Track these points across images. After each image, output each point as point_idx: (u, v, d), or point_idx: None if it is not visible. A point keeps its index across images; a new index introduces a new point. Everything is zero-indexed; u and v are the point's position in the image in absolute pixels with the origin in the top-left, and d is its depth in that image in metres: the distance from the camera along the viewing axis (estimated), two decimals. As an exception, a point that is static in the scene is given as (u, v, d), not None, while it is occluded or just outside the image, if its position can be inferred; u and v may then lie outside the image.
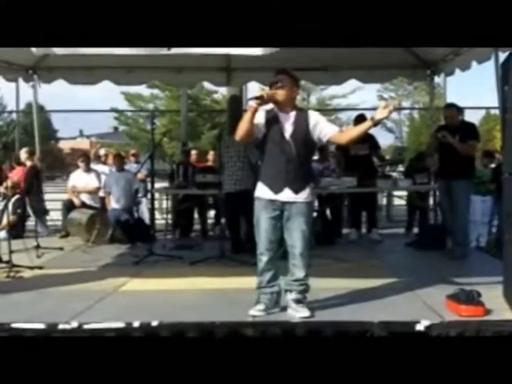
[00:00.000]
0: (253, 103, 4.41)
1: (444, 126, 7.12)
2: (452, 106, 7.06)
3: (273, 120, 4.47)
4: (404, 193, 10.00)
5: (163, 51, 4.50)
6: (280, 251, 4.59)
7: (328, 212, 8.93)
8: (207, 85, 16.11)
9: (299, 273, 4.48)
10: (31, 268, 6.27)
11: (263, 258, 4.50)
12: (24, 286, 5.51)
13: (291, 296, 4.55)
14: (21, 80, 9.11)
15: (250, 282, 4.79)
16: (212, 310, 4.66)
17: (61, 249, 7.71)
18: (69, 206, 8.88)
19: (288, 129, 4.44)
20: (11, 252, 6.26)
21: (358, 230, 8.61)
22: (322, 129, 4.48)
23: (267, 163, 4.54)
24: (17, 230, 8.37)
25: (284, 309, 4.59)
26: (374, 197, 8.90)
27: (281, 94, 4.43)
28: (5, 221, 7.68)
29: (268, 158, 4.52)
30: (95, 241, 8.06)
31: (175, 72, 9.08)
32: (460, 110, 6.99)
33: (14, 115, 12.25)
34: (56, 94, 16.61)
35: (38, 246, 7.27)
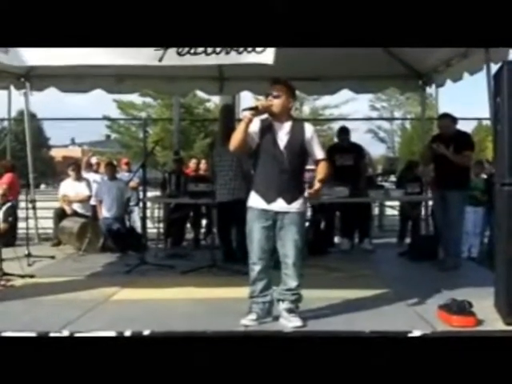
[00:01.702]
0: (247, 114, 4.40)
1: (438, 135, 7.09)
2: (446, 115, 7.01)
3: (267, 130, 4.46)
4: (396, 203, 10.01)
5: (155, 63, 4.51)
6: (273, 261, 4.58)
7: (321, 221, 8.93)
8: (200, 93, 16.13)
9: (292, 282, 4.47)
10: (22, 276, 6.23)
11: (255, 268, 4.49)
12: (15, 295, 5.48)
13: (283, 306, 4.53)
14: (12, 88, 9.09)
15: (241, 291, 4.78)
16: (204, 320, 4.65)
17: (52, 257, 7.68)
18: (60, 215, 8.84)
19: (283, 139, 4.45)
20: (2, 260, 6.24)
21: (350, 239, 8.61)
22: (313, 149, 4.54)
23: (260, 173, 4.54)
24: (8, 238, 8.33)
25: (276, 318, 4.58)
26: (367, 207, 8.89)
27: (276, 104, 4.44)
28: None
29: (261, 168, 4.52)
30: (87, 249, 8.04)
31: (167, 81, 9.08)
32: (454, 120, 6.97)
33: (6, 123, 12.20)
34: (48, 102, 16.59)
35: (29, 255, 7.24)
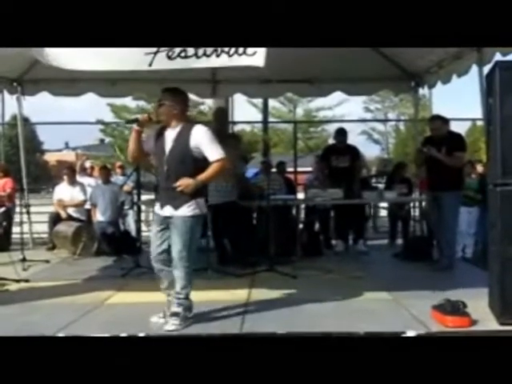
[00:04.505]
0: (134, 126, 4.60)
1: (430, 137, 7.10)
2: (437, 117, 7.02)
3: (160, 136, 4.60)
4: (387, 204, 10.03)
5: (144, 67, 4.52)
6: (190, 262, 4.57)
7: (316, 223, 8.96)
8: (193, 96, 16.11)
9: (177, 286, 4.57)
10: (17, 281, 6.23)
11: (155, 267, 4.64)
12: (10, 299, 5.48)
13: (171, 308, 4.59)
14: (5, 92, 9.07)
15: (235, 294, 4.79)
16: (198, 322, 4.65)
17: (47, 261, 7.67)
18: (55, 219, 8.82)
19: (169, 145, 4.53)
20: (-3, 265, 6.24)
21: (344, 241, 8.62)
22: (205, 151, 4.48)
23: (158, 179, 4.68)
24: (2, 243, 8.32)
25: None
26: (361, 208, 8.90)
27: (160, 112, 4.56)
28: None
29: (158, 174, 4.65)
30: (81, 253, 8.05)
31: (159, 84, 9.02)
32: (446, 121, 6.97)
33: (-1, 127, 12.18)
34: (42, 106, 16.55)
35: (24, 259, 7.22)
